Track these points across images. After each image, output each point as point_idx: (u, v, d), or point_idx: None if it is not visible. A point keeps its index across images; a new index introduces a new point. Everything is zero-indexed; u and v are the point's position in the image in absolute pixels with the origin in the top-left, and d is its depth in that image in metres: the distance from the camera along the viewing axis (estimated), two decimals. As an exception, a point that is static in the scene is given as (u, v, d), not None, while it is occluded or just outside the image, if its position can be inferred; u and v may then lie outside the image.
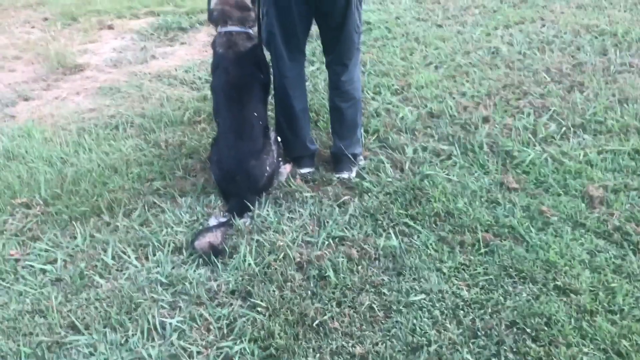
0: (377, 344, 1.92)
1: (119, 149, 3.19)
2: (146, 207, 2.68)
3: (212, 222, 2.54)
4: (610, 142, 2.94)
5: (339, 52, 2.74)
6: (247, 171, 2.59)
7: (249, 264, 2.28)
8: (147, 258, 2.37)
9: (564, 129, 3.10)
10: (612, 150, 2.87)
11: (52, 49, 4.68)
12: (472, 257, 2.26)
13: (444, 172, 2.81)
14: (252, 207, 2.59)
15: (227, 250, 2.37)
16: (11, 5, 6.37)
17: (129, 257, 2.37)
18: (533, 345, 1.88)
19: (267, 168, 2.65)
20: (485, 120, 3.27)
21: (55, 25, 5.53)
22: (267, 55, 2.82)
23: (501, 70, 3.87)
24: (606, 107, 3.27)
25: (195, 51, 4.78)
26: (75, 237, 2.51)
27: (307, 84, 3.78)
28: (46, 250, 2.45)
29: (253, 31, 2.72)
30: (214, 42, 2.76)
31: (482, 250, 2.29)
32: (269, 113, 3.00)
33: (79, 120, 3.61)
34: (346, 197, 2.67)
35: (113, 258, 2.38)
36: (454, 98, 3.53)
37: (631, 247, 2.26)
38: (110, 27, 5.43)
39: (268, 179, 2.68)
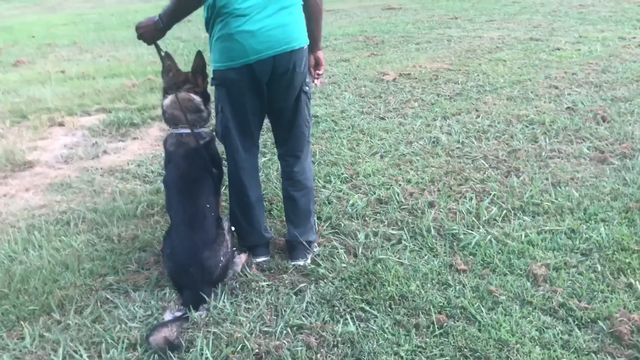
0: None
1: (70, 244, 3.14)
2: (99, 303, 2.62)
3: (167, 316, 2.50)
4: (548, 223, 3.13)
5: (291, 144, 2.88)
6: (201, 262, 2.59)
7: (206, 358, 2.25)
8: (100, 356, 2.30)
9: (504, 211, 3.29)
10: (550, 230, 3.05)
11: (1, 147, 4.65)
12: (427, 340, 2.30)
13: (396, 256, 2.90)
14: (207, 299, 2.58)
15: (184, 344, 2.33)
16: (-42, 104, 6.35)
17: (81, 356, 2.29)
18: None
19: (221, 258, 2.66)
20: (431, 205, 3.42)
21: (4, 122, 5.53)
22: (220, 147, 2.92)
23: (442, 158, 4.10)
24: (541, 190, 3.50)
25: (147, 145, 4.85)
26: (23, 338, 2.42)
27: (260, 174, 3.90)
28: (-9, 354, 2.34)
29: (204, 131, 2.82)
30: (165, 140, 2.85)
31: (437, 332, 2.34)
32: (223, 204, 3.06)
33: (28, 217, 3.56)
34: (302, 285, 2.70)
35: (64, 358, 2.30)
36: (400, 185, 3.70)
37: (576, 322, 2.36)
38: (61, 124, 5.46)
39: (222, 270, 2.69)
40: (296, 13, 2.58)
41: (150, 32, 2.59)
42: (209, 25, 2.59)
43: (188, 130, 2.73)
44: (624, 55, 6.83)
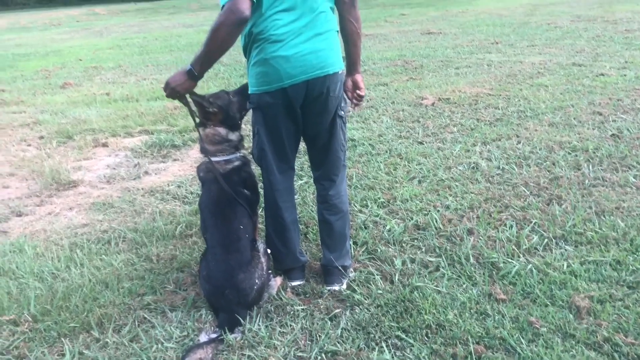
0: None
1: (110, 263, 3.21)
2: (136, 323, 2.66)
3: (203, 337, 2.52)
4: (591, 253, 3.04)
5: (326, 168, 2.89)
6: (236, 285, 2.60)
7: (241, 381, 2.25)
8: (136, 376, 2.33)
9: (546, 240, 3.21)
10: (594, 260, 2.96)
11: (47, 166, 4.81)
12: (465, 370, 2.25)
13: (433, 283, 2.85)
14: (242, 322, 2.58)
15: (218, 366, 2.34)
16: (8, 125, 6.62)
17: (118, 375, 2.32)
18: None
19: (256, 280, 2.67)
20: (470, 232, 3.37)
21: (51, 143, 5.73)
22: (258, 170, 2.95)
23: (482, 184, 4.04)
24: (584, 219, 3.40)
25: (187, 167, 4.94)
26: (63, 355, 2.47)
27: (296, 196, 3.92)
28: (32, 369, 2.39)
29: (234, 156, 2.86)
30: (198, 167, 2.91)
31: (475, 363, 2.28)
32: (259, 226, 3.08)
33: (71, 235, 3.65)
34: (338, 310, 2.68)
35: (101, 376, 2.34)
36: (438, 211, 3.66)
37: (622, 358, 2.27)
38: (105, 145, 5.63)
39: (258, 292, 2.69)
40: (331, 39, 2.62)
41: (184, 85, 2.52)
42: (247, 51, 2.64)
43: (217, 158, 2.79)
44: (672, 81, 6.65)
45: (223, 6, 2.36)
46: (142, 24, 19.68)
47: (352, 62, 2.75)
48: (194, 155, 5.21)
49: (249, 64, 2.64)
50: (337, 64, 2.64)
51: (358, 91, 2.80)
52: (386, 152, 4.88)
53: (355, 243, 3.29)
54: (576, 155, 4.47)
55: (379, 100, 6.70)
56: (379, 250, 3.21)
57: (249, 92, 2.69)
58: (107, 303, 2.81)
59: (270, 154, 2.79)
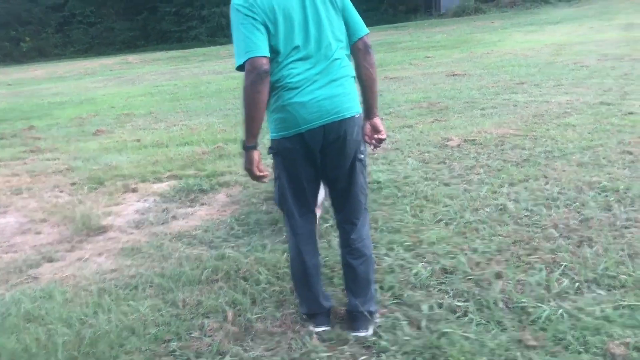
0: None
1: (137, 309, 3.23)
2: (161, 370, 2.66)
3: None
4: (625, 297, 2.95)
5: (347, 211, 2.90)
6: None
7: None
8: None
9: (577, 284, 3.13)
10: (628, 305, 2.87)
11: (78, 212, 4.92)
12: (495, 421, 2.18)
13: (461, 329, 2.79)
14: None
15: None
16: (42, 172, 6.82)
17: (142, 423, 2.31)
18: None
19: None
20: (498, 276, 3.31)
21: (83, 189, 5.87)
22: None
23: (510, 227, 3.98)
24: (617, 262, 3.32)
25: (214, 211, 4.99)
26: (89, 402, 2.48)
27: (322, 240, 3.92)
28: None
29: None
30: None
31: (506, 413, 2.21)
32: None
33: (100, 280, 3.70)
34: (363, 357, 2.64)
35: None
36: (465, 254, 3.61)
37: (661, 408, 2.18)
38: (134, 190, 5.74)
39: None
40: (347, 84, 2.68)
41: (247, 159, 2.65)
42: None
43: None
44: None
45: (240, 65, 2.49)
46: (173, 72, 20.27)
47: (369, 106, 2.80)
48: (221, 199, 5.28)
49: (268, 111, 2.71)
50: (353, 108, 2.69)
51: (378, 135, 2.83)
52: (412, 194, 4.86)
53: (381, 287, 3.26)
54: (606, 196, 4.38)
55: (404, 142, 6.72)
56: (405, 295, 3.17)
57: (270, 138, 2.75)
58: (133, 349, 2.82)
59: (291, 198, 2.82)
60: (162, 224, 4.75)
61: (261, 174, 2.69)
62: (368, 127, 2.83)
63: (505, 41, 17.44)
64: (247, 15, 2.50)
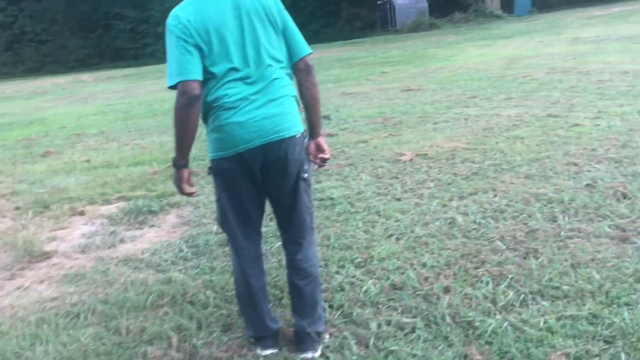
0: None
1: (77, 338, 3.11)
2: (100, 402, 2.55)
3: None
4: (567, 308, 2.99)
5: (292, 231, 2.87)
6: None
7: None
8: None
9: (522, 296, 3.16)
10: (570, 315, 2.91)
11: (20, 237, 4.74)
12: None
13: (408, 346, 2.78)
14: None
15: None
16: (-15, 196, 6.55)
17: None
18: None
19: None
20: (446, 290, 3.32)
21: (27, 213, 5.66)
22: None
23: (458, 240, 4.02)
24: (561, 273, 3.37)
25: (163, 233, 4.88)
26: None
27: (272, 260, 3.87)
28: None
29: None
30: None
31: None
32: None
33: (39, 310, 3.55)
34: (310, 380, 2.59)
35: None
36: (415, 269, 3.61)
37: (601, 419, 2.20)
38: (82, 213, 5.56)
39: None
40: (287, 104, 2.66)
41: (176, 177, 2.70)
42: (205, 119, 2.69)
43: None
44: (644, 129, 6.75)
45: (171, 87, 2.47)
46: (128, 89, 19.93)
47: (312, 126, 2.78)
48: (171, 220, 5.17)
49: (207, 130, 2.67)
50: (294, 128, 2.67)
51: (322, 154, 2.81)
52: (365, 209, 4.86)
53: (330, 306, 3.23)
54: (552, 207, 4.47)
55: (358, 157, 6.75)
56: (354, 313, 3.15)
57: (209, 158, 2.70)
58: (70, 382, 2.70)
59: (234, 218, 2.78)
60: (109, 247, 4.62)
61: (190, 190, 2.73)
62: (312, 146, 2.81)
63: (458, 56, 17.80)
64: (179, 37, 2.48)
